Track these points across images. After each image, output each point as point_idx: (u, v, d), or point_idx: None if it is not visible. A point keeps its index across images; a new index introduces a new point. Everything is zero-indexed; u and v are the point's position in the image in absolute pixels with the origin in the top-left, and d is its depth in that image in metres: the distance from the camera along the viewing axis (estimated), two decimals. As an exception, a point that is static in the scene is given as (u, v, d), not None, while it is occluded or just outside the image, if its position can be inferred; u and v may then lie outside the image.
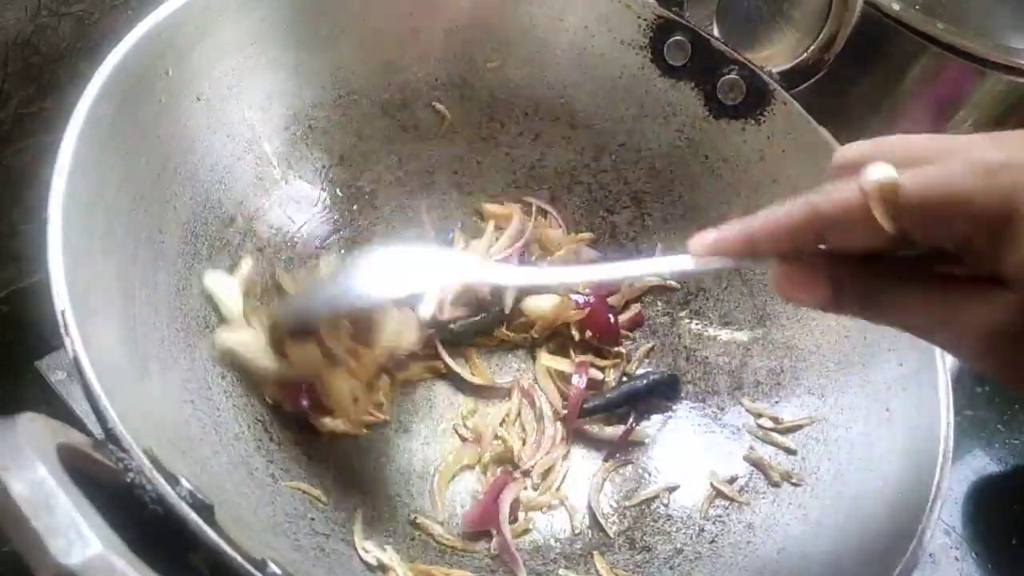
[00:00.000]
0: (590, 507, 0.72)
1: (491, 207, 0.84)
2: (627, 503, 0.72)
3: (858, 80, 0.91)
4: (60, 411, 0.68)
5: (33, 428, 0.37)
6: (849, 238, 0.42)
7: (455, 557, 0.66)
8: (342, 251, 0.78)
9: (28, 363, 0.71)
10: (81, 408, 0.68)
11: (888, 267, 0.43)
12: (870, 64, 0.90)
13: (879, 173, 0.39)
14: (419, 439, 0.73)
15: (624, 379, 0.80)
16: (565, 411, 0.76)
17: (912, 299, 0.42)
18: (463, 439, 0.74)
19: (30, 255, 0.79)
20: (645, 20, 0.79)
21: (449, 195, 0.84)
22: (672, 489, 0.73)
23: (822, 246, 0.44)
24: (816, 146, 0.75)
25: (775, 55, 0.82)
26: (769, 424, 0.73)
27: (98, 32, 0.72)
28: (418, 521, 0.67)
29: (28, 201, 0.75)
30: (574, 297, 0.79)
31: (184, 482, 0.43)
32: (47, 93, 0.72)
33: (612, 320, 0.81)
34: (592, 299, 0.80)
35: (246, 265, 0.69)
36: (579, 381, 0.76)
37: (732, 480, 0.72)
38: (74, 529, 0.33)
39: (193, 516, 0.41)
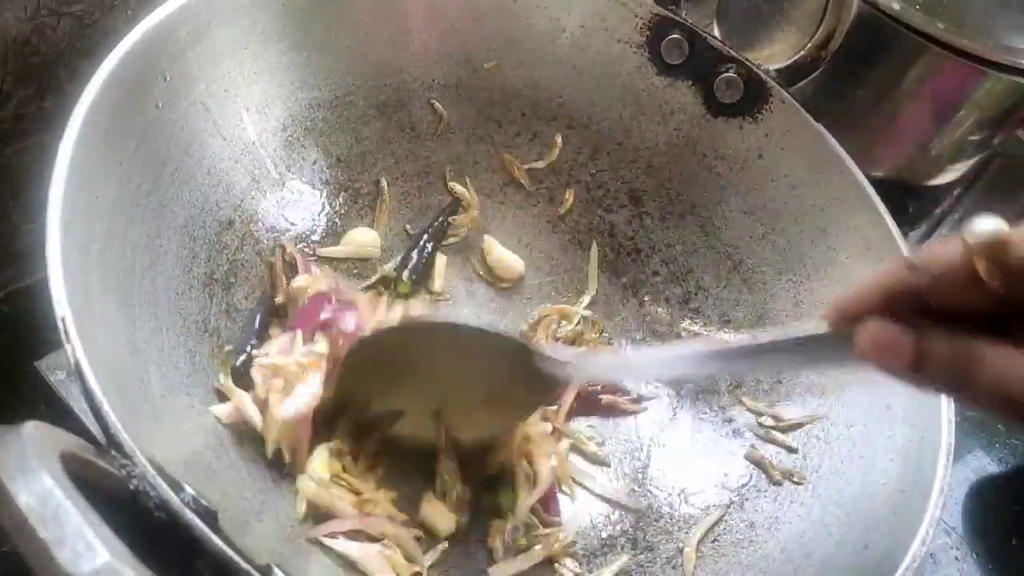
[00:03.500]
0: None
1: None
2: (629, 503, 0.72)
3: (858, 80, 0.91)
4: (60, 411, 0.68)
5: (37, 436, 0.37)
6: (949, 299, 0.38)
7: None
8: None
9: (28, 363, 0.70)
10: (81, 407, 0.68)
11: (982, 333, 0.38)
12: (870, 64, 0.90)
13: (986, 225, 0.36)
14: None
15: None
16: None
17: (1006, 365, 0.37)
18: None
19: (30, 255, 0.79)
20: (642, 19, 0.80)
21: (446, 196, 0.83)
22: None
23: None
24: (815, 144, 0.75)
25: (776, 55, 0.82)
26: (770, 423, 0.73)
27: (98, 32, 0.72)
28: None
29: (28, 201, 0.75)
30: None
31: (187, 488, 0.43)
32: (47, 93, 0.72)
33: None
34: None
35: None
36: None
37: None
38: (81, 539, 0.33)
39: (197, 522, 0.41)
